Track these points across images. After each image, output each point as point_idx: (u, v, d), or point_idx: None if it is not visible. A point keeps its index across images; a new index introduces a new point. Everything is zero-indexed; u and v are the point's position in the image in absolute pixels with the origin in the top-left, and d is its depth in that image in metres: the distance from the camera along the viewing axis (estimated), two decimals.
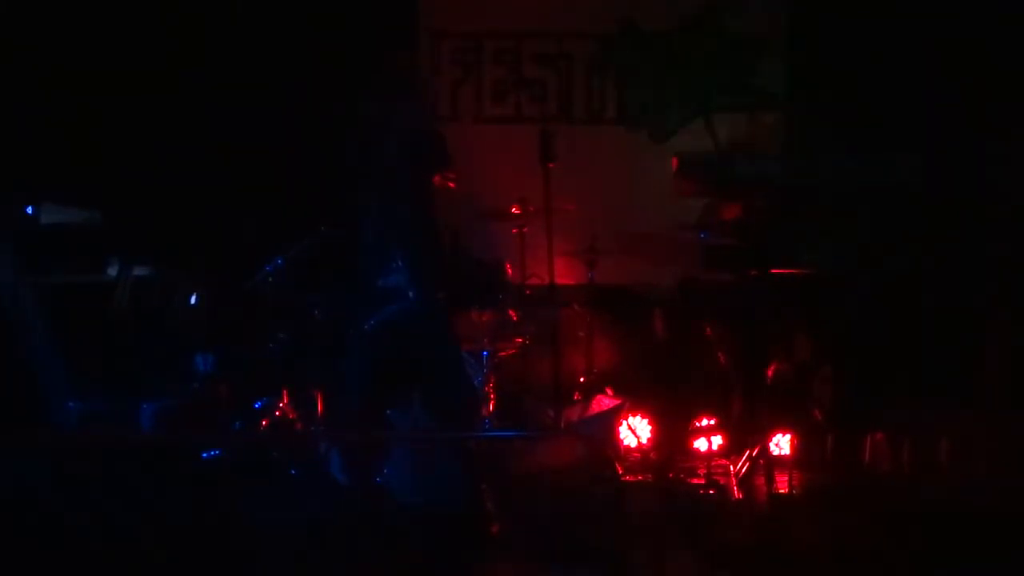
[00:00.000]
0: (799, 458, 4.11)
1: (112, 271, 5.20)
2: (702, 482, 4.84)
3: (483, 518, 4.18)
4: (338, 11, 6.62)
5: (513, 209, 5.74)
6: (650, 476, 4.86)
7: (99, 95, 5.90)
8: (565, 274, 6.01)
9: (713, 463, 5.18)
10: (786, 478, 4.37)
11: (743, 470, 4.86)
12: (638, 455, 5.57)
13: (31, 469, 3.17)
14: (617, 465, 5.04)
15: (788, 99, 5.68)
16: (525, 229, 5.82)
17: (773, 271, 4.48)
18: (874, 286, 4.71)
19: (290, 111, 6.72)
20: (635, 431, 5.63)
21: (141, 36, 6.08)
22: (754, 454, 4.84)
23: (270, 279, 5.62)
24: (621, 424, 5.62)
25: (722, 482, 4.94)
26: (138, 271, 5.33)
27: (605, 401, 5.74)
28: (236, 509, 3.04)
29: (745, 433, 4.90)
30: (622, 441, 5.59)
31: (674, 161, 4.68)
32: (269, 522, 3.21)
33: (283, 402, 5.61)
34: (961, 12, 6.02)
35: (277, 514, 3.08)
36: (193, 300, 5.59)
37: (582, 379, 6.11)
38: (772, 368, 4.93)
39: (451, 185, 5.37)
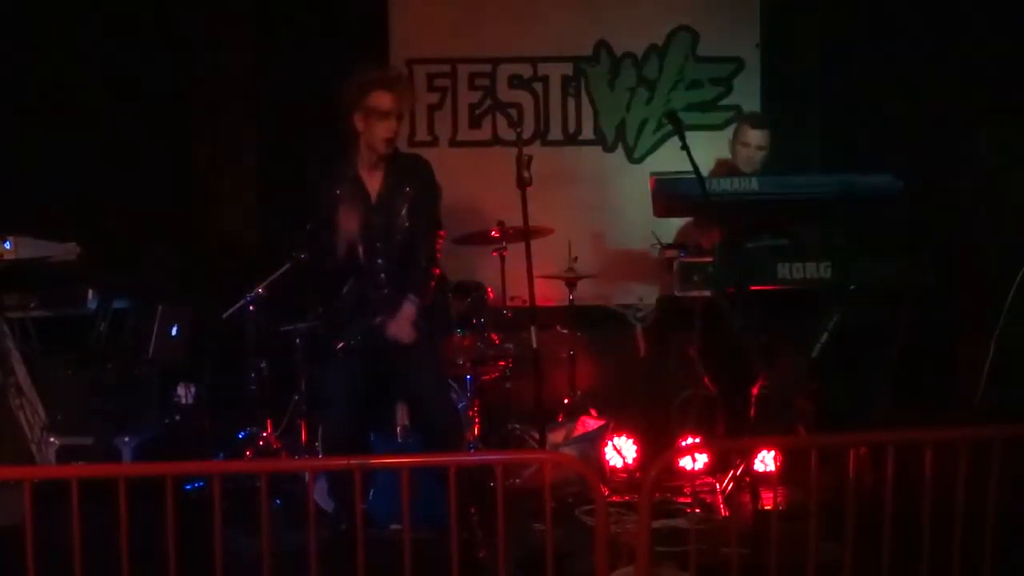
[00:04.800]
0: (784, 474, 4.10)
1: (91, 304, 5.18)
2: (688, 500, 4.84)
3: (470, 543, 4.16)
4: (312, 39, 6.64)
5: (492, 232, 5.75)
6: (636, 496, 4.85)
7: (76, 127, 5.88)
8: (546, 296, 6.01)
9: (698, 481, 5.18)
10: (771, 495, 4.37)
11: (729, 488, 4.86)
12: (624, 475, 5.57)
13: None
14: (603, 486, 5.04)
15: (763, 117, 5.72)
16: (504, 252, 5.83)
17: (752, 288, 4.50)
18: (853, 300, 4.73)
19: (264, 137, 6.74)
20: (620, 451, 5.63)
21: (115, 71, 6.07)
22: (739, 472, 4.85)
23: (250, 308, 5.61)
24: (606, 445, 5.62)
25: (708, 500, 4.95)
26: (117, 303, 5.31)
27: (589, 422, 5.74)
28: (220, 540, 3.01)
29: (730, 451, 4.90)
30: (607, 461, 5.59)
31: (651, 181, 4.71)
32: (253, 552, 3.18)
33: (266, 432, 5.59)
34: (932, 27, 6.09)
35: (261, 543, 3.05)
36: (174, 331, 5.57)
37: (566, 400, 6.10)
38: (754, 385, 4.94)
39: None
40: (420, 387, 4.33)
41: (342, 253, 4.26)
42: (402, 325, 4.20)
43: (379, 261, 4.28)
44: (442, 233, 4.61)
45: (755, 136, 5.30)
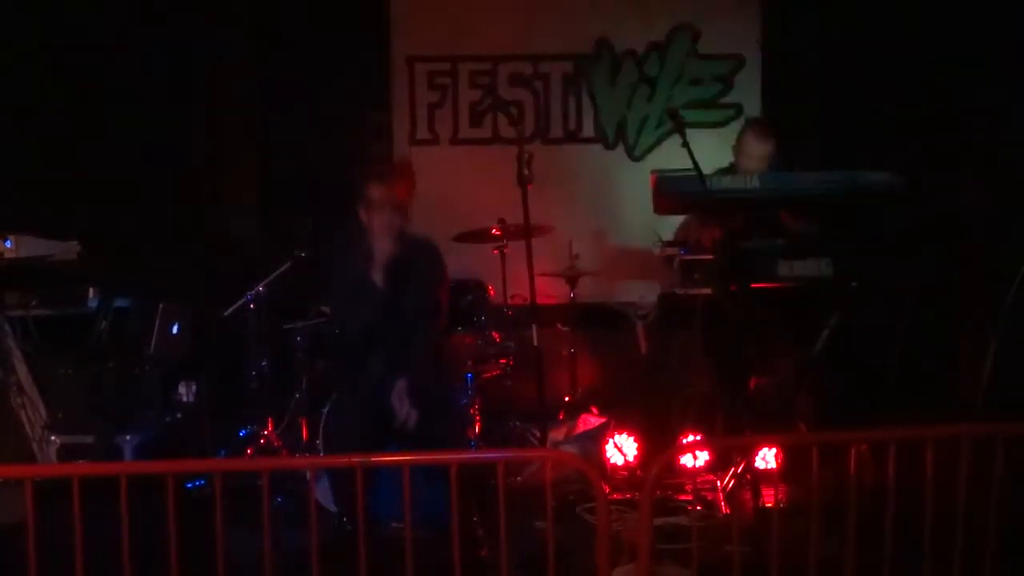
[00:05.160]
0: (785, 472, 4.11)
1: (92, 302, 5.18)
2: (689, 498, 4.84)
3: (472, 542, 4.15)
4: (312, 37, 6.64)
5: (493, 230, 5.75)
6: (637, 494, 4.85)
7: (77, 125, 5.89)
8: (547, 293, 6.02)
9: (700, 479, 5.18)
10: (772, 492, 4.37)
11: (730, 485, 4.86)
12: (625, 473, 5.56)
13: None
14: (604, 483, 5.04)
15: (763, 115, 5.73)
16: (505, 250, 5.83)
17: (753, 285, 4.50)
18: (854, 298, 4.73)
19: (265, 135, 6.74)
20: (621, 449, 5.62)
21: (116, 71, 6.07)
22: (740, 469, 4.85)
23: (251, 306, 5.61)
24: (607, 442, 5.61)
25: (709, 498, 4.94)
26: (118, 302, 5.31)
27: (591, 420, 5.74)
28: (221, 538, 3.01)
29: (731, 448, 4.90)
30: (608, 459, 5.59)
31: (652, 179, 4.70)
32: (255, 550, 3.19)
33: (267, 430, 5.59)
34: (934, 25, 6.08)
35: (262, 541, 3.06)
36: (174, 330, 5.57)
37: (567, 398, 6.10)
38: (755, 382, 4.94)
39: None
40: (424, 400, 4.39)
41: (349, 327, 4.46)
42: (400, 401, 4.28)
43: (383, 339, 4.42)
44: (443, 319, 4.78)
45: (758, 148, 5.21)
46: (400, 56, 6.82)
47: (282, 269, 5.58)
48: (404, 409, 4.27)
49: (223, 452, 5.57)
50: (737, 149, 5.34)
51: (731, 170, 5.40)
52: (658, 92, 6.89)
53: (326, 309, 5.64)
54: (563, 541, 4.00)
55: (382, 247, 4.43)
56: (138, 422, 5.26)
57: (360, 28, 6.76)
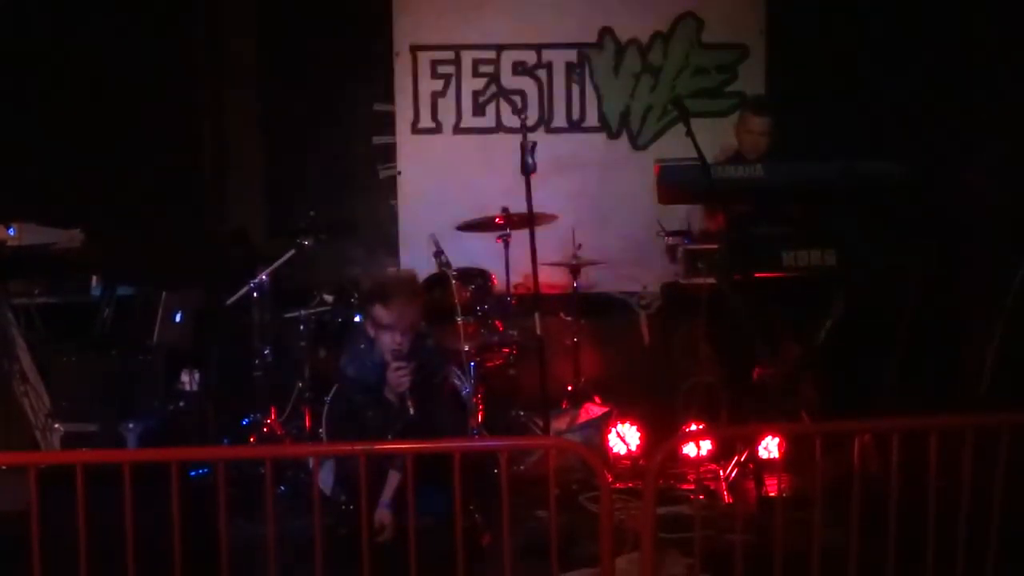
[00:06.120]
0: (788, 461, 4.12)
1: (96, 291, 5.18)
2: (692, 487, 4.85)
3: (474, 529, 4.16)
4: (315, 26, 6.64)
5: (496, 219, 5.74)
6: (640, 483, 4.85)
7: (82, 115, 5.88)
8: (550, 283, 6.02)
9: (702, 468, 5.18)
10: (775, 481, 4.37)
11: (733, 474, 4.87)
12: (627, 462, 5.57)
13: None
14: (607, 472, 5.04)
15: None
16: (508, 239, 5.82)
17: (757, 275, 4.49)
18: (857, 287, 4.73)
19: (269, 123, 6.74)
20: (624, 438, 5.63)
21: (118, 60, 6.06)
22: (743, 458, 4.85)
23: (254, 295, 5.61)
24: (610, 431, 5.62)
25: (712, 487, 4.95)
26: (122, 290, 5.31)
27: (593, 409, 5.74)
28: (225, 525, 3.02)
29: (734, 437, 4.90)
30: (611, 448, 5.59)
31: (655, 168, 4.69)
32: (257, 538, 3.20)
33: (270, 418, 5.59)
34: (938, 15, 6.06)
35: (265, 530, 3.06)
36: (177, 318, 5.57)
37: (570, 387, 6.10)
38: (758, 372, 4.94)
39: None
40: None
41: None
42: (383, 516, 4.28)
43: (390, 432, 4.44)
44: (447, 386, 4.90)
45: (758, 123, 5.28)
46: (403, 44, 6.80)
47: (285, 257, 5.58)
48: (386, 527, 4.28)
49: (226, 440, 5.58)
50: (739, 130, 5.36)
51: (731, 151, 5.42)
52: (662, 81, 6.87)
53: (328, 298, 5.64)
54: (566, 530, 4.00)
55: (394, 378, 4.36)
56: (141, 410, 5.26)
57: (363, 16, 6.74)
